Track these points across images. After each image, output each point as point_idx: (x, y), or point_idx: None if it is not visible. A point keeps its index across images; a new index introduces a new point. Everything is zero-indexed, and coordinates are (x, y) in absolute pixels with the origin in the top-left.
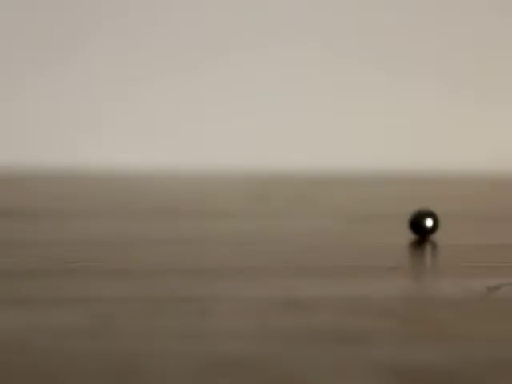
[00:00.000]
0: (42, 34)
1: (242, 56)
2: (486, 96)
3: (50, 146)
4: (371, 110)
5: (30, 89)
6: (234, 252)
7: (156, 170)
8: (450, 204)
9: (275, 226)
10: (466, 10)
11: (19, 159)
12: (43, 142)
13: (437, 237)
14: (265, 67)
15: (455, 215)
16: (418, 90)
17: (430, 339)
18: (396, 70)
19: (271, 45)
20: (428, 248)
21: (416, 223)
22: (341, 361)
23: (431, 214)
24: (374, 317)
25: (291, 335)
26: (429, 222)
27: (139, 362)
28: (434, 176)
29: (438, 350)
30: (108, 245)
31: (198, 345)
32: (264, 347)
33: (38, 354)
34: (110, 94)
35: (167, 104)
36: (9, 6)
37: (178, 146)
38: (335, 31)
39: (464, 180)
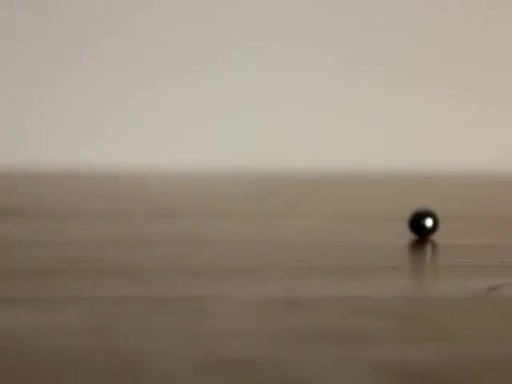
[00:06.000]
0: (46, 36)
1: (242, 58)
2: (486, 96)
3: (53, 147)
4: (371, 111)
5: (32, 90)
6: (234, 252)
7: (157, 170)
8: (450, 204)
9: (275, 225)
10: (465, 13)
11: (21, 159)
12: (45, 142)
13: (437, 236)
14: (265, 68)
15: (455, 215)
16: (419, 91)
17: (429, 339)
18: (396, 70)
19: (271, 47)
20: (428, 248)
21: (416, 223)
22: (341, 361)
23: (431, 214)
24: (374, 317)
25: (291, 335)
26: (429, 222)
27: (139, 362)
28: (434, 176)
29: (438, 349)
30: (109, 245)
31: (198, 345)
32: (264, 347)
33: (39, 353)
34: (113, 95)
35: (168, 105)
36: (11, 8)
37: (179, 146)
38: (336, 31)
39: (464, 180)
